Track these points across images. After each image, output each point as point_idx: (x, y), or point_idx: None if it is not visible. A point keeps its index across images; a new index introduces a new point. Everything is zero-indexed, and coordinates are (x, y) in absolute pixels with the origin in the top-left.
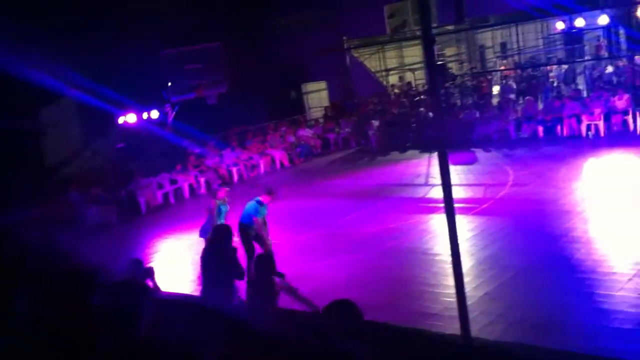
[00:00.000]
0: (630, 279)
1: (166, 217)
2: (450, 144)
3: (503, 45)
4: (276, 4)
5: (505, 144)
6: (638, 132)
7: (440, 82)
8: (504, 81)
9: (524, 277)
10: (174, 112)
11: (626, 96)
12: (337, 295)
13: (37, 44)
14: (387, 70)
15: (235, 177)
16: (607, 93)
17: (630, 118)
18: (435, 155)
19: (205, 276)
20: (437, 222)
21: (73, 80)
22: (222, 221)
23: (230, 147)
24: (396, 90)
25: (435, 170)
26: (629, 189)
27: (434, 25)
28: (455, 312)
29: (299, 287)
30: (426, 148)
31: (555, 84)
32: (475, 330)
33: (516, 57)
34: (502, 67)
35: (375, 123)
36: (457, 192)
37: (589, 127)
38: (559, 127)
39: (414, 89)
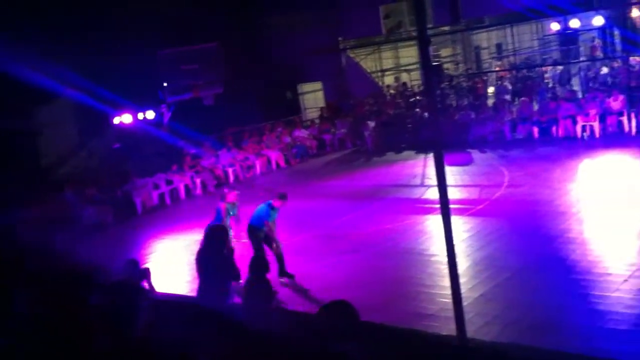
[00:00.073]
0: (625, 280)
1: (162, 217)
2: (445, 145)
3: (498, 46)
4: (271, 5)
5: (501, 144)
6: (633, 133)
7: (436, 82)
8: (499, 82)
9: (519, 278)
10: (170, 113)
11: (621, 97)
12: (333, 295)
13: (33, 45)
14: (383, 70)
15: (231, 178)
16: (602, 94)
17: (625, 119)
18: (431, 156)
19: (201, 277)
20: (433, 223)
21: (69, 80)
22: (227, 222)
23: (226, 147)
24: (392, 91)
25: (431, 171)
26: (624, 190)
27: (430, 26)
28: (451, 313)
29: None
30: (422, 149)
31: (550, 85)
32: (471, 331)
33: (511, 58)
34: (498, 68)
35: (371, 124)
36: (453, 193)
37: (584, 128)
38: (554, 128)
39: (409, 89)
